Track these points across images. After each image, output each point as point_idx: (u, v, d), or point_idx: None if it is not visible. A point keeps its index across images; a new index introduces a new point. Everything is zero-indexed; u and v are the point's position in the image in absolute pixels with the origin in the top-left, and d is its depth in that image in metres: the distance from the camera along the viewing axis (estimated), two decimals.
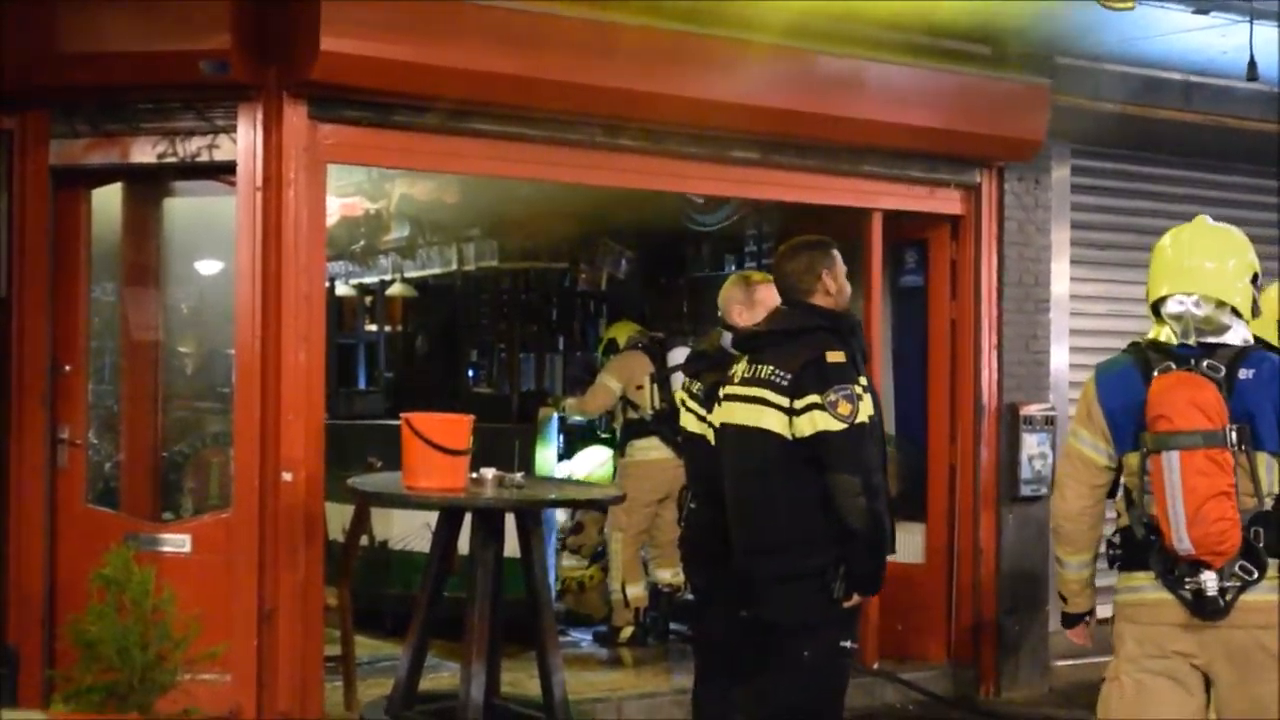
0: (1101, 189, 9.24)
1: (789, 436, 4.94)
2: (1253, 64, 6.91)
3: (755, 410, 5.04)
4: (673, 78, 7.14)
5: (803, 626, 4.98)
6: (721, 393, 5.33)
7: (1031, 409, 8.55)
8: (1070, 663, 8.76)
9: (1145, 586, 4.27)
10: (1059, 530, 4.50)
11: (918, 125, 7.91)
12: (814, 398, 4.87)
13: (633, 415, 9.06)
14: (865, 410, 4.92)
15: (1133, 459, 4.27)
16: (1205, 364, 4.23)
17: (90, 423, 6.96)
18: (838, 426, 4.84)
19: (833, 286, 5.15)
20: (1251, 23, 7.03)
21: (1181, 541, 4.11)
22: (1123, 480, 4.38)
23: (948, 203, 8.52)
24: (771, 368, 5.02)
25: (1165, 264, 4.39)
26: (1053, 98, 8.33)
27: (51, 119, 6.68)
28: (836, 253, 5.25)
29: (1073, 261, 9.02)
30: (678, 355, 8.80)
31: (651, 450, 8.89)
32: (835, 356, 4.93)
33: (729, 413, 5.23)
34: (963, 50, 8.08)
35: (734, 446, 5.20)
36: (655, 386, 8.97)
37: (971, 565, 8.48)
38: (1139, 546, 4.27)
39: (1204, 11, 7.44)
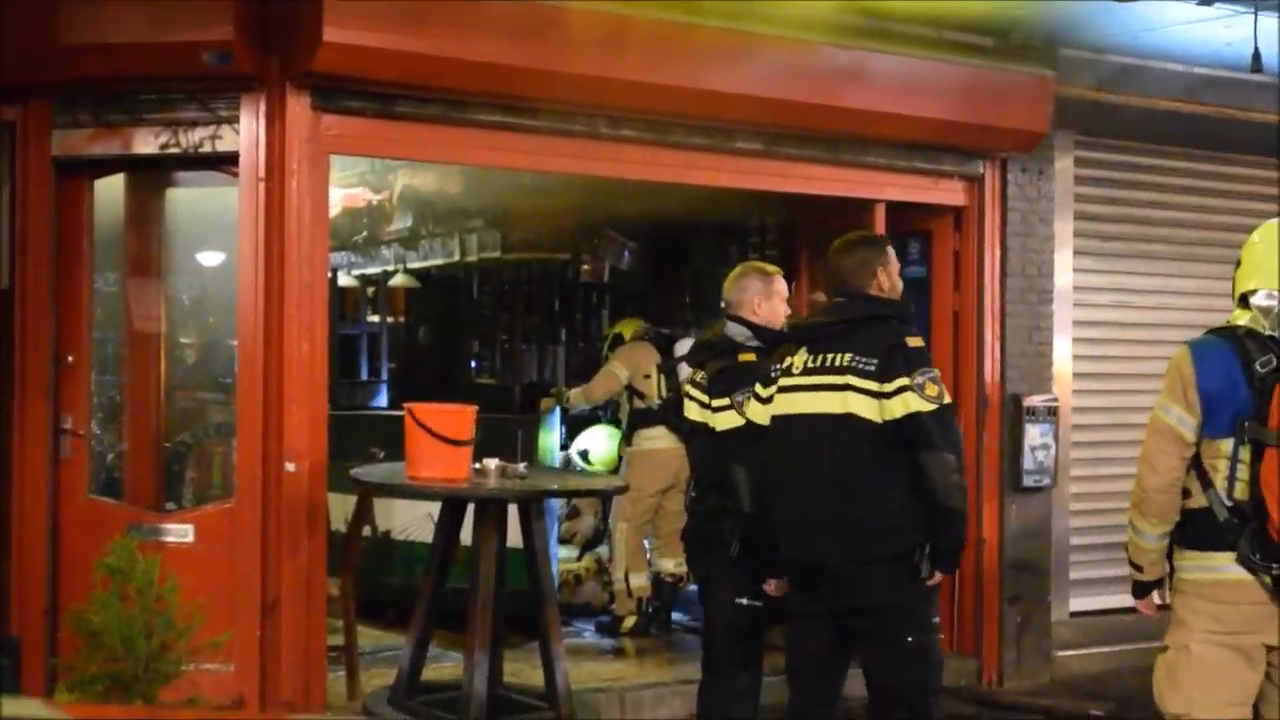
0: (1104, 180, 9.23)
1: (878, 420, 4.98)
2: (1257, 55, 6.91)
3: (838, 397, 5.04)
4: (676, 69, 7.14)
5: (896, 612, 5.01)
6: (780, 384, 5.23)
7: (1034, 400, 8.55)
8: (1072, 653, 8.79)
9: (1225, 567, 4.44)
10: (1147, 503, 4.55)
11: (921, 116, 7.90)
12: (903, 380, 4.95)
13: (640, 404, 9.07)
14: (947, 393, 5.03)
15: (1225, 444, 4.43)
16: None
17: (93, 413, 6.97)
18: (929, 407, 4.93)
19: (886, 283, 5.25)
20: (1256, 14, 7.03)
21: None
22: (1203, 461, 4.48)
23: (951, 194, 8.52)
24: (851, 355, 5.05)
25: (1255, 259, 4.63)
26: (1056, 89, 8.32)
27: (54, 109, 6.68)
28: (890, 250, 5.34)
29: (1076, 252, 9.02)
30: (683, 347, 8.81)
31: (658, 439, 8.88)
32: (915, 341, 5.06)
33: (791, 403, 5.18)
34: (966, 41, 8.06)
35: (806, 436, 5.14)
36: (662, 376, 9.00)
37: (974, 555, 8.46)
38: (1220, 528, 4.44)
39: (1208, 3, 7.42)
